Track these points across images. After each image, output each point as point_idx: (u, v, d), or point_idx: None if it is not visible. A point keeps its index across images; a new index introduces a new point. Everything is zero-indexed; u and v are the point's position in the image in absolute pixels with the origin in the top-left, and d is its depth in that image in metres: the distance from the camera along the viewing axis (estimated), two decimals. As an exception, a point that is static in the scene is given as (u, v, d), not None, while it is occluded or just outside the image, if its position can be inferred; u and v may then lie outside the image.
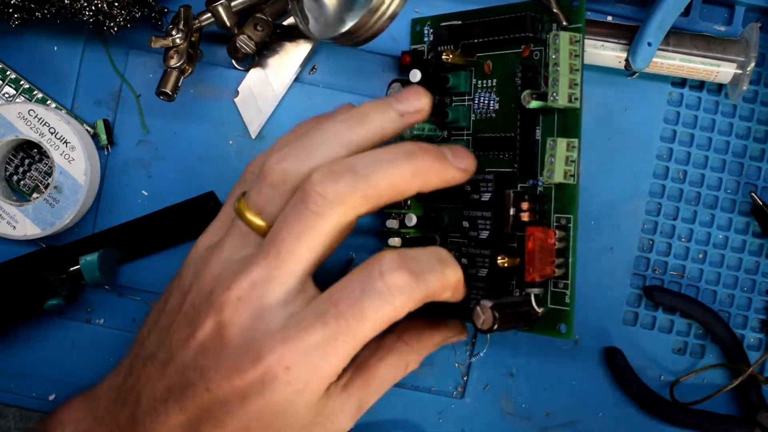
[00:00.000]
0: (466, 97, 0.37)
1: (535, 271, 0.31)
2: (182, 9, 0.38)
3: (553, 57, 0.31)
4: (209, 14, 0.39)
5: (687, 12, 0.42)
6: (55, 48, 0.42)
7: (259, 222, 0.30)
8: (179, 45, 0.38)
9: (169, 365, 0.29)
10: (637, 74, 0.42)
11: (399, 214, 0.38)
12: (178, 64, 0.38)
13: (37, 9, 0.38)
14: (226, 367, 0.27)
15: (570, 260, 0.32)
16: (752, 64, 0.40)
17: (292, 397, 0.27)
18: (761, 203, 0.42)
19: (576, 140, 0.31)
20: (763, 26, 0.42)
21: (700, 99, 0.43)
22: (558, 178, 0.31)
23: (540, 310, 0.32)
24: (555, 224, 0.32)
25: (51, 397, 0.42)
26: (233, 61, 0.42)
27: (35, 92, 0.42)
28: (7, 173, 0.42)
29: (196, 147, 0.43)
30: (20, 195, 0.42)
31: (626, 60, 0.40)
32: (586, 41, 0.40)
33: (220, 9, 0.38)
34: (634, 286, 0.43)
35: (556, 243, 0.32)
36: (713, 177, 0.43)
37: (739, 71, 0.40)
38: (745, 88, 0.40)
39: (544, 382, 0.43)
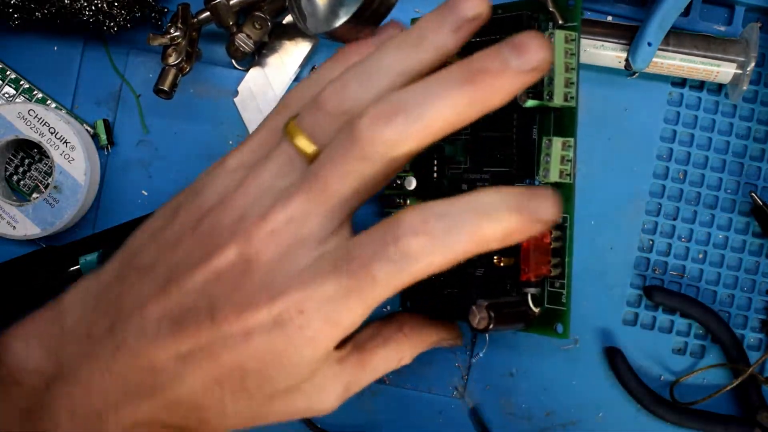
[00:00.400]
0: None
1: (530, 270, 0.31)
2: (180, 7, 0.38)
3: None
4: (208, 12, 0.39)
5: (687, 12, 0.42)
6: (55, 48, 0.42)
7: (311, 147, 0.27)
8: (178, 43, 0.38)
9: (171, 284, 0.26)
10: (637, 74, 0.42)
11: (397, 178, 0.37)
12: (176, 62, 0.38)
13: (37, 9, 0.38)
14: (240, 302, 0.26)
15: (566, 260, 0.32)
16: (752, 64, 0.40)
17: (298, 344, 0.26)
18: (761, 203, 0.42)
19: (572, 140, 0.31)
20: (763, 26, 0.42)
21: (700, 99, 0.43)
22: (554, 177, 0.31)
23: (537, 310, 0.32)
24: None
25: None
26: (233, 61, 0.42)
27: (35, 92, 0.42)
28: (7, 173, 0.42)
29: (196, 147, 0.43)
30: (20, 195, 0.42)
31: (626, 60, 0.40)
32: (586, 41, 0.40)
33: (219, 7, 0.38)
34: (634, 286, 0.43)
35: (552, 242, 0.32)
36: (713, 177, 0.43)
37: (739, 71, 0.40)
38: (745, 88, 0.40)
39: (544, 382, 0.43)
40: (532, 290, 0.32)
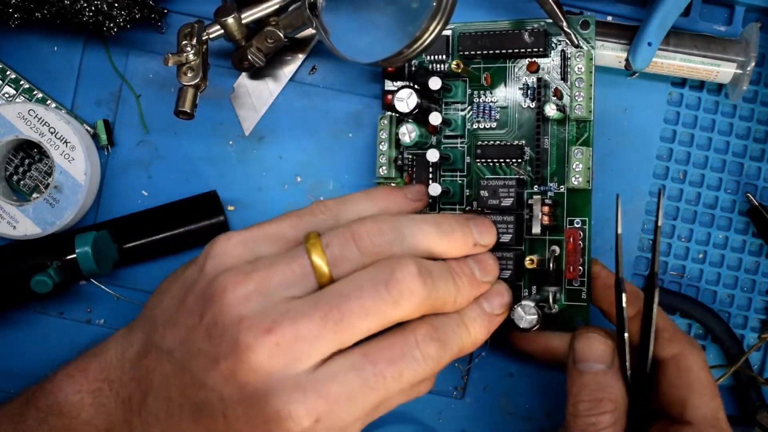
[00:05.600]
0: (460, 107, 0.38)
1: (575, 269, 0.35)
2: (195, 25, 0.37)
3: (577, 72, 0.35)
4: (218, 27, 0.38)
5: (687, 12, 0.42)
6: (55, 48, 0.43)
7: (327, 273, 0.29)
8: (192, 61, 0.37)
9: (186, 374, 0.29)
10: (637, 74, 0.42)
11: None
12: (194, 82, 0.37)
13: (37, 9, 0.38)
14: (249, 406, 0.27)
15: (586, 258, 0.35)
16: (752, 64, 0.40)
17: None
18: (757, 204, 0.42)
19: (591, 149, 0.35)
20: (763, 26, 0.42)
21: (700, 99, 0.43)
22: (582, 184, 0.35)
23: (555, 308, 0.35)
24: (568, 226, 0.36)
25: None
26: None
27: (35, 92, 0.42)
28: (7, 173, 0.42)
29: (196, 147, 0.43)
30: (20, 195, 0.42)
31: (626, 60, 0.40)
32: (586, 41, 0.41)
33: (231, 22, 0.38)
34: (634, 286, 0.43)
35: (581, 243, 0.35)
36: (713, 177, 0.43)
37: (739, 71, 0.40)
38: (745, 88, 0.40)
39: (544, 382, 0.43)
40: (552, 289, 0.35)
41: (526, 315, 0.33)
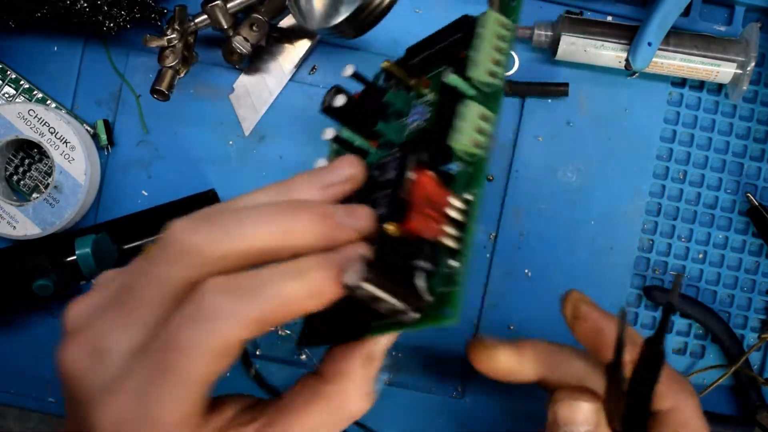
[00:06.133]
0: (403, 118, 0.32)
1: (415, 220, 0.25)
2: (177, 9, 0.38)
3: (478, 32, 0.28)
4: (205, 15, 0.39)
5: (687, 12, 0.42)
6: (55, 48, 0.42)
7: None
8: (174, 44, 0.38)
9: None
10: (637, 74, 0.42)
11: None
12: (173, 64, 0.38)
13: (37, 9, 0.38)
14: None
15: (467, 237, 0.26)
16: (752, 64, 0.40)
17: None
18: (757, 204, 0.42)
19: (494, 116, 0.27)
20: (763, 26, 0.42)
21: (700, 99, 0.43)
22: (464, 141, 0.27)
23: (429, 298, 0.25)
24: (414, 165, 0.27)
25: (51, 399, 0.42)
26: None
27: (35, 92, 0.42)
28: (7, 173, 0.42)
29: (196, 147, 0.43)
30: (20, 195, 0.42)
31: (626, 60, 0.40)
32: (586, 41, 0.40)
33: (216, 10, 0.38)
34: (634, 286, 0.43)
35: (452, 210, 0.26)
36: (713, 177, 0.43)
37: (739, 71, 0.40)
38: (745, 88, 0.40)
39: (544, 382, 0.43)
40: (422, 264, 0.25)
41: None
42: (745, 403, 0.43)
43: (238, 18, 0.39)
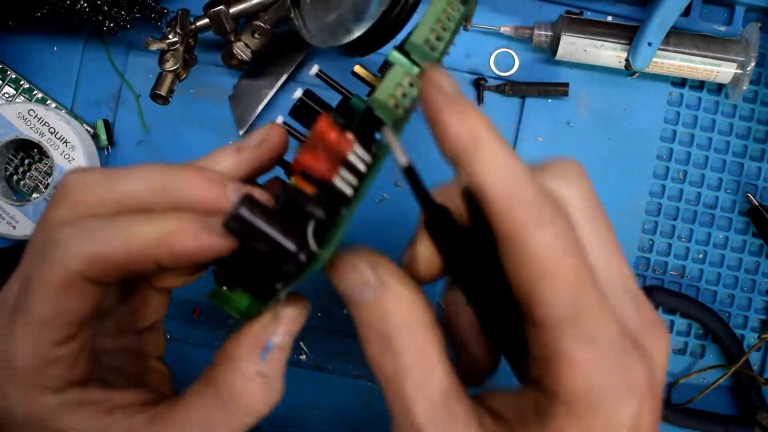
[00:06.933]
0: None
1: (307, 155, 0.24)
2: (179, 13, 0.38)
3: (429, 7, 0.26)
4: (207, 20, 0.39)
5: (687, 12, 0.42)
6: (55, 48, 0.42)
7: None
8: (175, 48, 0.38)
9: None
10: (637, 74, 0.42)
11: None
12: (174, 68, 0.38)
13: (37, 9, 0.38)
14: None
15: (359, 189, 0.25)
16: (752, 64, 0.40)
17: None
18: (757, 204, 0.42)
19: (418, 80, 0.25)
20: (763, 26, 0.42)
21: (700, 99, 0.43)
22: (380, 96, 0.26)
23: (313, 244, 0.23)
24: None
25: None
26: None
27: (35, 92, 0.42)
28: (7, 173, 0.42)
29: (195, 147, 0.43)
30: (20, 195, 0.42)
31: (626, 60, 0.40)
32: (586, 41, 0.40)
33: (219, 15, 0.38)
34: (634, 286, 0.43)
35: (351, 156, 0.25)
36: (713, 177, 0.43)
37: (739, 71, 0.40)
38: (745, 88, 0.40)
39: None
40: (313, 209, 0.24)
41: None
42: (745, 403, 0.43)
43: (240, 23, 0.39)
